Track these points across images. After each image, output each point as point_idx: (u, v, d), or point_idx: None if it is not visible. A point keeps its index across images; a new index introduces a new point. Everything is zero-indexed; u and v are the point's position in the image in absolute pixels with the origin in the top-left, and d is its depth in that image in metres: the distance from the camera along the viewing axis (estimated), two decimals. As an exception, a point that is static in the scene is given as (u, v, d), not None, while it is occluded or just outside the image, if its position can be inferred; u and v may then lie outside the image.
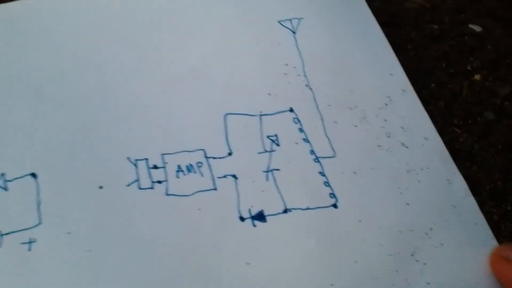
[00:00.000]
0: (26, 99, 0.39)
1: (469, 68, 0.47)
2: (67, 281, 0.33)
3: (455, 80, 0.46)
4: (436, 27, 0.49)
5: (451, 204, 0.39)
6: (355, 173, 0.39)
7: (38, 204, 0.35)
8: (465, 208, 0.39)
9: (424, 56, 0.47)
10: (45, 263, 0.33)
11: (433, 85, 0.45)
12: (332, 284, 0.35)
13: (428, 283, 0.35)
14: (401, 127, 0.42)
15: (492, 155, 0.43)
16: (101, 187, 0.36)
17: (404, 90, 0.43)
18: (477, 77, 0.46)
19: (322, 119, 0.41)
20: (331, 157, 0.40)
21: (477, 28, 0.49)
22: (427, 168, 0.40)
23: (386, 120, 0.42)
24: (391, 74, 0.44)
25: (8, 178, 0.36)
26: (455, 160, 0.40)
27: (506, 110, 0.45)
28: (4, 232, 0.34)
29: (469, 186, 0.40)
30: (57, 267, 0.33)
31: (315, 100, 0.42)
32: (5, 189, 0.35)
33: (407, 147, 0.41)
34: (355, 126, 0.41)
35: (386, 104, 0.43)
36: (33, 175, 0.36)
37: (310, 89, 0.43)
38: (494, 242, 0.37)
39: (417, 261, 0.36)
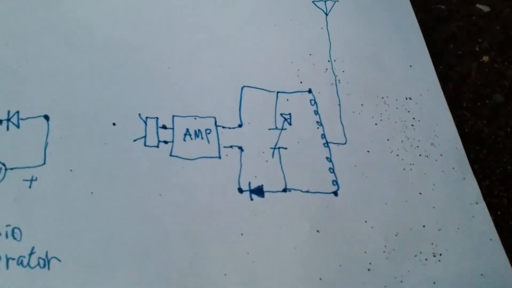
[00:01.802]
0: (55, 46, 0.40)
1: (477, 49, 0.45)
2: (63, 220, 0.34)
3: (463, 62, 0.44)
4: (443, 7, 0.47)
5: (460, 207, 0.37)
6: (363, 164, 0.38)
7: (46, 145, 0.36)
8: (476, 213, 0.37)
9: (432, 37, 0.45)
10: (43, 202, 0.34)
11: (441, 67, 0.44)
12: (320, 268, 0.34)
13: (420, 281, 0.34)
14: (421, 126, 0.40)
15: (502, 138, 0.41)
16: (107, 140, 0.37)
17: (429, 88, 0.42)
18: (485, 58, 0.44)
19: (340, 105, 0.40)
20: (342, 144, 0.39)
21: (485, 8, 0.46)
22: (442, 171, 0.39)
23: (406, 117, 0.40)
24: (420, 70, 0.42)
25: (22, 116, 0.37)
26: (464, 144, 0.40)
27: None
28: (9, 167, 0.35)
29: (479, 170, 0.39)
30: (56, 206, 0.34)
31: (336, 85, 0.41)
32: (18, 126, 0.36)
33: (424, 148, 0.39)
34: (372, 117, 0.40)
35: (410, 99, 0.41)
36: (46, 117, 0.37)
37: (334, 73, 0.42)
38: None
39: (410, 260, 0.35)
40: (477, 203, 0.37)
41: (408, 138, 0.39)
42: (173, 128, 0.38)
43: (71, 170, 0.35)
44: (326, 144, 0.39)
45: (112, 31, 0.41)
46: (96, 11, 0.42)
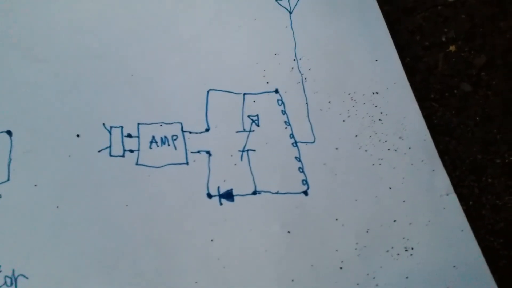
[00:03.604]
0: (13, 58, 0.39)
1: (443, 39, 0.45)
2: (29, 236, 0.33)
3: (430, 53, 0.44)
4: (408, -2, 0.47)
5: (430, 200, 0.37)
6: (332, 162, 0.38)
7: (9, 161, 0.35)
8: (446, 205, 0.37)
9: (398, 29, 0.45)
10: (8, 219, 0.34)
11: (408, 59, 0.44)
12: (292, 269, 0.34)
13: (393, 276, 0.34)
14: (389, 120, 0.40)
15: (471, 127, 0.41)
16: (72, 152, 0.36)
17: (396, 82, 0.41)
18: (452, 48, 0.44)
19: (307, 104, 0.40)
20: (311, 142, 0.39)
21: (450, -3, 0.47)
22: (411, 164, 0.39)
23: (373, 112, 0.40)
24: (386, 63, 0.42)
25: (-17, 133, 0.36)
26: (433, 135, 0.39)
27: (483, 80, 0.43)
28: (-29, 185, 0.34)
29: (449, 161, 0.39)
30: (21, 222, 0.34)
31: (303, 84, 0.41)
32: (-20, 143, 0.36)
33: (392, 142, 0.39)
34: (340, 114, 0.40)
35: (376, 94, 0.41)
36: (9, 132, 0.36)
37: (300, 72, 0.41)
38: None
39: (382, 255, 0.35)
40: (447, 195, 0.37)
41: (376, 133, 0.39)
42: (138, 136, 0.37)
43: (35, 185, 0.35)
44: (295, 144, 0.39)
45: (71, 40, 0.40)
46: (54, 20, 0.41)
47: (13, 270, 0.32)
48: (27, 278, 0.32)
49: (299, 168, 0.38)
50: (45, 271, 0.32)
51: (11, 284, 0.32)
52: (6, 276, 0.32)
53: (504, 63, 0.44)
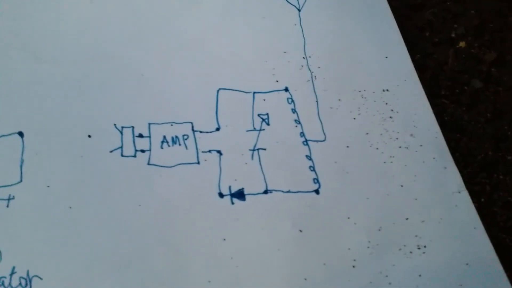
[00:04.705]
0: (23, 59, 0.39)
1: (453, 35, 0.45)
2: (43, 237, 0.33)
3: (440, 49, 0.44)
4: (417, -6, 0.47)
5: (442, 197, 0.37)
6: (343, 160, 0.38)
7: (22, 162, 0.36)
8: (458, 202, 0.37)
9: (407, 26, 0.45)
10: (22, 220, 0.34)
11: (418, 56, 0.44)
12: (304, 268, 0.34)
13: (406, 274, 0.34)
14: (400, 118, 0.40)
15: (482, 124, 0.41)
16: (83, 153, 0.36)
17: (406, 79, 0.41)
18: (462, 44, 0.44)
19: (317, 102, 0.40)
20: (321, 141, 0.39)
21: (460, -8, 0.46)
22: (423, 162, 0.38)
23: (384, 109, 0.40)
24: (395, 60, 0.42)
25: (-5, 134, 0.36)
26: (444, 132, 0.39)
27: (493, 76, 0.43)
28: (-16, 187, 0.35)
29: (460, 158, 0.39)
30: (35, 224, 0.34)
31: (312, 82, 0.41)
32: (-8, 145, 0.36)
33: (403, 139, 0.39)
34: (350, 112, 0.40)
35: (387, 91, 0.41)
36: (20, 133, 0.37)
37: (309, 70, 0.41)
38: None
39: (394, 253, 0.35)
40: (459, 192, 0.37)
41: (387, 131, 0.39)
42: (149, 136, 0.38)
43: (48, 186, 0.35)
44: (305, 142, 0.39)
45: (81, 41, 0.40)
46: (63, 21, 0.41)
47: (28, 271, 0.32)
48: (41, 279, 0.32)
49: (310, 166, 0.38)
50: (59, 271, 0.32)
51: (26, 285, 0.32)
52: (21, 277, 0.32)
53: (514, 59, 0.44)
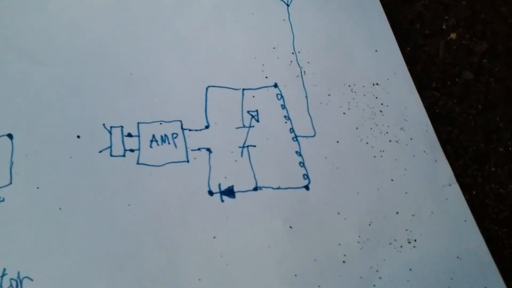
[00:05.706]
0: (10, 61, 0.39)
1: (444, 27, 0.44)
2: (33, 239, 0.34)
3: (431, 41, 0.44)
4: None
5: (433, 191, 0.37)
6: (333, 155, 0.38)
7: (11, 164, 0.36)
8: (449, 195, 0.37)
9: (397, 18, 0.45)
10: (12, 222, 0.34)
11: (408, 48, 0.43)
12: (295, 264, 0.34)
13: (396, 268, 0.34)
14: (390, 112, 0.40)
15: (473, 116, 0.41)
16: (73, 153, 0.36)
17: (396, 72, 0.41)
18: (453, 35, 0.43)
19: (307, 97, 0.40)
20: (311, 136, 0.39)
21: (450, -17, 0.46)
22: (413, 155, 0.38)
23: (373, 103, 0.40)
24: (385, 54, 0.42)
25: (-15, 137, 0.36)
26: (435, 125, 0.39)
27: (484, 68, 0.43)
28: (-26, 189, 0.35)
29: (452, 150, 0.39)
30: (25, 225, 0.34)
31: (302, 77, 0.41)
32: (-19, 147, 0.36)
33: (394, 133, 0.39)
34: (340, 106, 0.40)
35: (377, 85, 0.41)
36: (9, 135, 0.37)
37: (299, 65, 0.41)
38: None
39: (385, 248, 0.35)
40: (450, 185, 0.37)
41: (377, 125, 0.39)
42: (138, 136, 0.37)
43: (38, 188, 0.35)
44: (295, 138, 0.38)
45: (69, 42, 0.40)
46: (51, 21, 0.41)
47: (18, 273, 0.32)
48: (32, 280, 0.32)
49: (300, 162, 0.37)
50: (50, 272, 0.33)
51: (17, 286, 0.32)
52: (11, 279, 0.32)
53: (506, 50, 0.43)
